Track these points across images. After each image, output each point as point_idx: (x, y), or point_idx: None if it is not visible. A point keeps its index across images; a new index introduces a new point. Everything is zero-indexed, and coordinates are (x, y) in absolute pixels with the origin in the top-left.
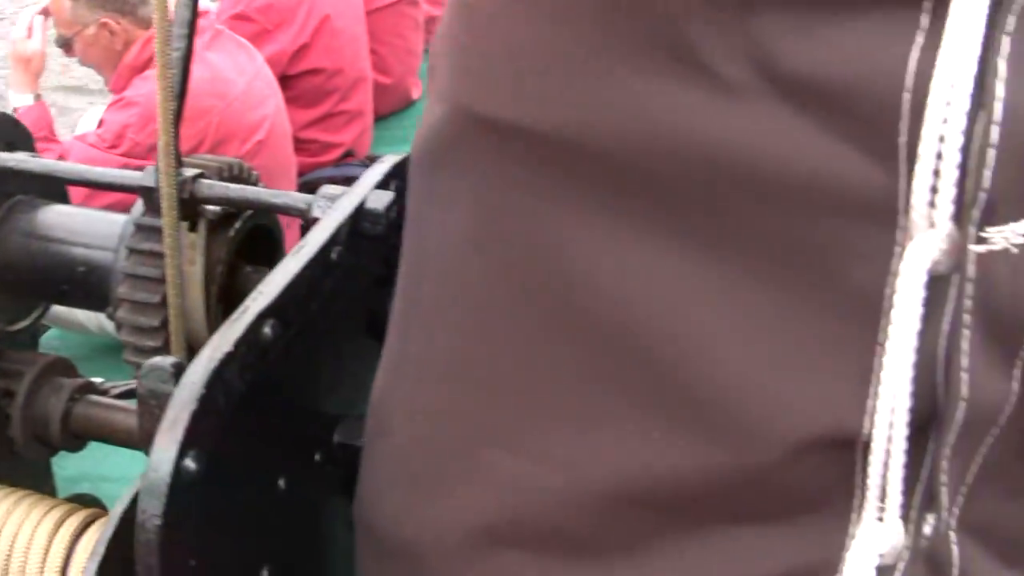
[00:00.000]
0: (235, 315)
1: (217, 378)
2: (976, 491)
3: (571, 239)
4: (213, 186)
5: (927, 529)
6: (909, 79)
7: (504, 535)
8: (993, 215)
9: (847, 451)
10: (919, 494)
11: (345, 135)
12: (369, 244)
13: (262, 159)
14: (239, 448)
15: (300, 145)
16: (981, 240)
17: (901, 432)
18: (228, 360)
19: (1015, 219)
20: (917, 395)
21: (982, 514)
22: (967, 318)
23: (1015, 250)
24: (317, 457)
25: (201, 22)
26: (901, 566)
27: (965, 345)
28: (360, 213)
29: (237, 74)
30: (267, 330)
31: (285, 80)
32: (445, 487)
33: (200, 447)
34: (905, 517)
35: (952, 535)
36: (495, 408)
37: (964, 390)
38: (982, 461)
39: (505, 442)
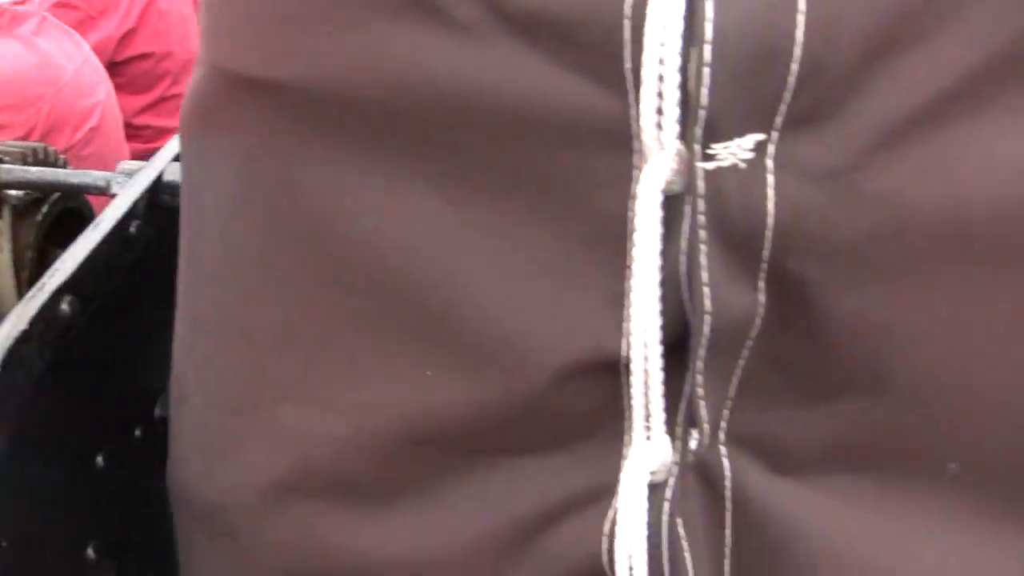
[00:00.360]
0: (31, 293)
1: (14, 357)
2: (740, 404)
3: (331, 189)
4: (12, 170)
5: (693, 444)
6: (627, 6)
7: (298, 487)
8: (717, 132)
9: (611, 374)
10: (682, 411)
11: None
12: (171, 216)
13: (95, 147)
14: (47, 426)
15: (134, 132)
16: (708, 157)
17: (655, 351)
18: (24, 338)
19: (739, 135)
20: (667, 313)
21: (749, 426)
22: (702, 234)
23: (743, 165)
24: (138, 432)
25: (26, 8)
26: (671, 482)
27: (704, 260)
28: (158, 186)
29: (66, 60)
30: (65, 307)
31: (113, 67)
32: (239, 446)
33: (1, 428)
34: (671, 434)
35: (721, 448)
36: (279, 363)
37: (707, 304)
38: (741, 374)
39: (291, 395)
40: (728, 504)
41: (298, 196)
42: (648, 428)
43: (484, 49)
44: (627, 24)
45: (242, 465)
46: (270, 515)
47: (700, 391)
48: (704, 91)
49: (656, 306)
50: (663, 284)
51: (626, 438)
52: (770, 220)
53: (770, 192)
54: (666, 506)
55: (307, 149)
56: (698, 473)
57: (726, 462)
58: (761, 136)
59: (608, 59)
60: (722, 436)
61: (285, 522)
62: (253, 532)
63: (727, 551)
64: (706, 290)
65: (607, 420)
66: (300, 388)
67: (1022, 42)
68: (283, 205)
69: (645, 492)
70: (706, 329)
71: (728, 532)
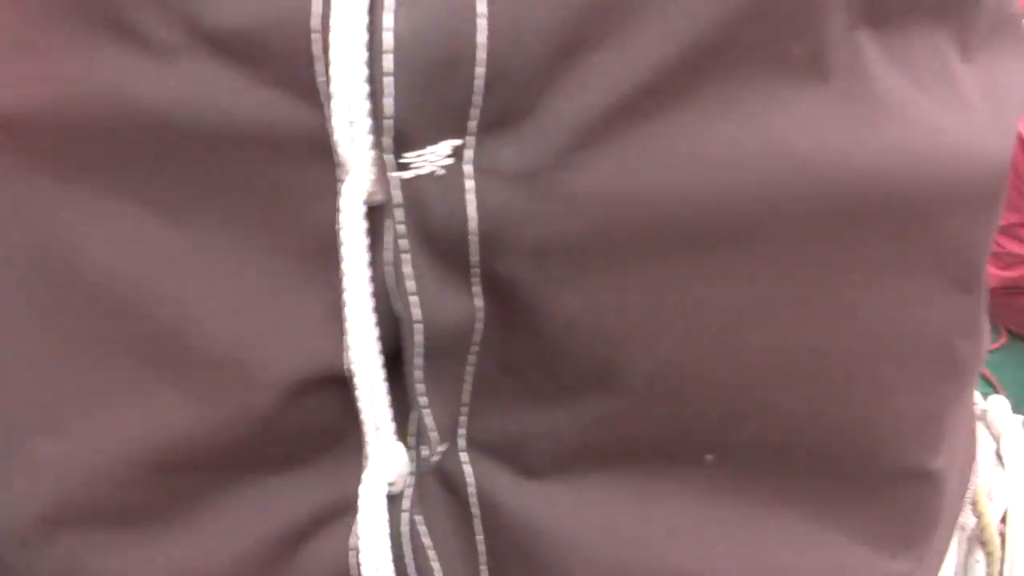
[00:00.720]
0: None
1: None
2: (477, 410)
3: (61, 219)
4: None
5: (426, 452)
6: (315, 20)
7: (61, 519)
8: (409, 141)
9: (342, 387)
10: (414, 420)
11: None
12: None
13: None
14: None
15: None
16: (403, 167)
17: (375, 363)
18: None
19: (433, 142)
20: (385, 324)
21: (489, 431)
22: (404, 243)
23: (442, 172)
24: None
25: None
26: (409, 492)
27: (408, 270)
28: None
29: None
30: None
31: None
32: (5, 480)
33: None
34: (406, 444)
35: (462, 455)
36: (28, 395)
37: (416, 313)
38: (473, 380)
39: (44, 427)
40: (476, 510)
41: (31, 229)
42: (381, 440)
43: (187, 71)
44: (316, 38)
45: (9, 499)
46: (39, 549)
47: (423, 400)
48: (388, 101)
49: (371, 318)
50: (378, 295)
51: (364, 450)
52: (473, 225)
53: (470, 197)
54: (405, 517)
55: (36, 180)
56: (440, 481)
57: (468, 468)
58: (457, 141)
59: (303, 74)
60: (462, 443)
61: (53, 555)
62: (25, 567)
63: (482, 556)
64: (413, 299)
65: (345, 433)
66: (50, 419)
67: (716, 34)
68: (17, 236)
69: (383, 503)
70: (418, 338)
71: (481, 538)
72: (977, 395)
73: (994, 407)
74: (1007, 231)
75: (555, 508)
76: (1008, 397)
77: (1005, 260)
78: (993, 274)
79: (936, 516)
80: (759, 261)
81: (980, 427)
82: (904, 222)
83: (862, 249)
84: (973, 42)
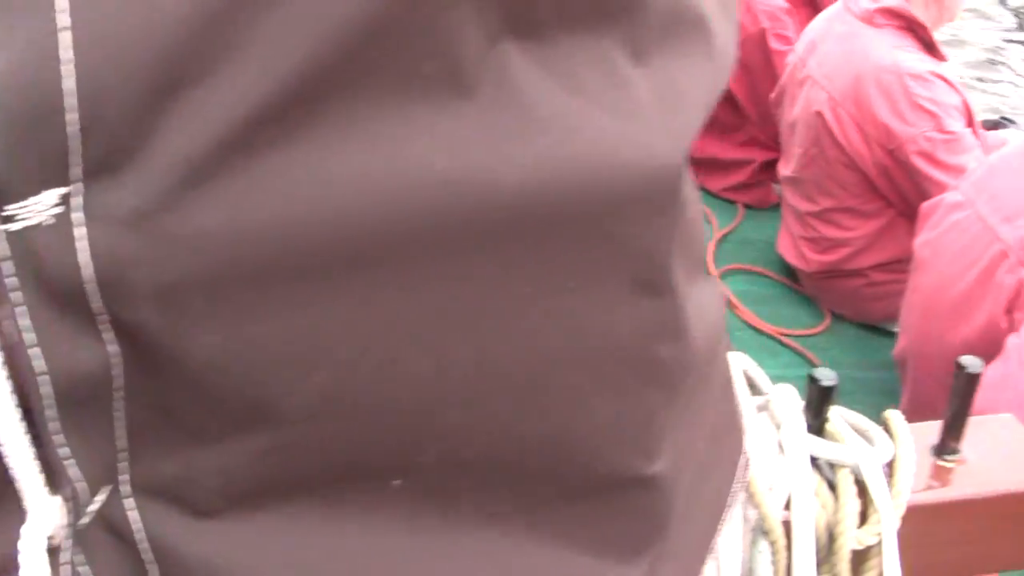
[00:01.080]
0: None
1: None
2: (137, 455)
3: None
4: None
5: (81, 503)
6: None
7: None
8: (9, 193)
9: None
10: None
11: None
12: None
13: None
14: None
15: None
16: (7, 219)
17: (12, 416)
18: None
19: (35, 192)
20: (16, 379)
21: (154, 476)
22: (17, 296)
23: (51, 221)
24: None
25: None
26: (68, 544)
27: (25, 322)
28: None
29: None
30: None
31: None
32: None
33: None
34: (65, 496)
35: (127, 502)
36: None
37: (39, 364)
38: (128, 425)
39: None
40: (148, 555)
41: None
42: (33, 494)
43: None
44: None
45: None
46: None
47: (64, 451)
48: None
49: (2, 372)
50: (9, 350)
51: (23, 506)
52: (87, 272)
53: (82, 245)
54: (66, 569)
55: None
56: (106, 529)
57: (133, 514)
58: (63, 190)
59: None
60: (126, 488)
61: None
62: None
63: None
64: (35, 351)
65: (5, 490)
66: None
67: (322, 62)
68: None
69: (43, 558)
70: (46, 389)
71: None
72: (767, 384)
73: (776, 396)
74: (822, 216)
75: (234, 546)
76: None
77: (822, 244)
78: (811, 258)
79: (663, 520)
80: (414, 282)
81: (764, 417)
82: (570, 231)
83: (527, 262)
84: (646, 46)
